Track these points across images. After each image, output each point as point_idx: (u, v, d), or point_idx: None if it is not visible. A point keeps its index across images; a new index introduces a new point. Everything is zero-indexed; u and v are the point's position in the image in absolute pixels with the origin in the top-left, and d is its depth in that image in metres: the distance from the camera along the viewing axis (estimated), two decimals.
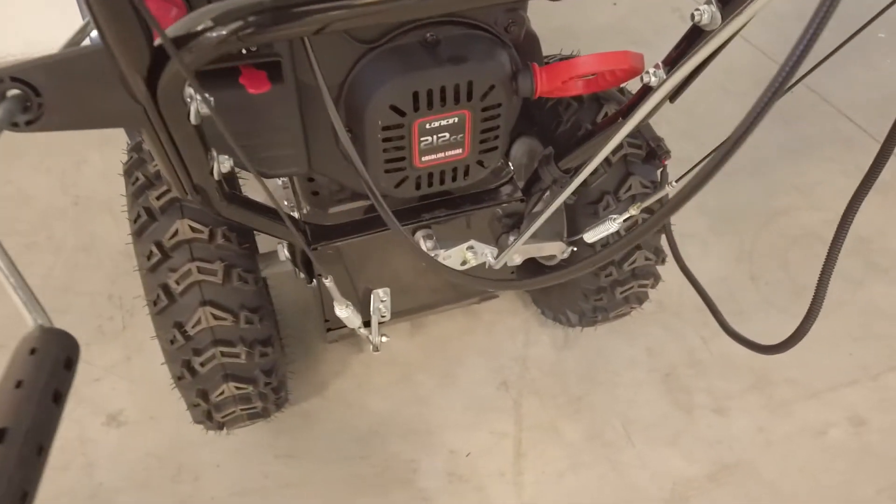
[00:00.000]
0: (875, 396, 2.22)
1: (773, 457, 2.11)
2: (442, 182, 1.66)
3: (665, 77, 1.37)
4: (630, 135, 1.84)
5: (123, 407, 2.18)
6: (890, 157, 1.13)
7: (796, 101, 3.29)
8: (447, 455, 2.11)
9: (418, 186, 1.65)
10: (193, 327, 1.61)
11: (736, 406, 2.21)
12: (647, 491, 2.04)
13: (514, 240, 1.75)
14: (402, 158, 1.54)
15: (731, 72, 3.46)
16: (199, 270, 1.59)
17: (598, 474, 2.07)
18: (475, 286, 2.09)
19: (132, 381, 2.22)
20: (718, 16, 1.18)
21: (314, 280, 1.87)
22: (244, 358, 1.67)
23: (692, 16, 1.19)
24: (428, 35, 1.42)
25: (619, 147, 1.83)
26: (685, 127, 3.17)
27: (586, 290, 2.02)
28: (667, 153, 1.83)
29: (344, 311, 1.57)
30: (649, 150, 1.85)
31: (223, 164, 1.28)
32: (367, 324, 1.86)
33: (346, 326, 2.01)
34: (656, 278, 2.01)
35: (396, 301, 2.03)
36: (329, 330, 2.01)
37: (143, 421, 2.15)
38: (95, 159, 2.96)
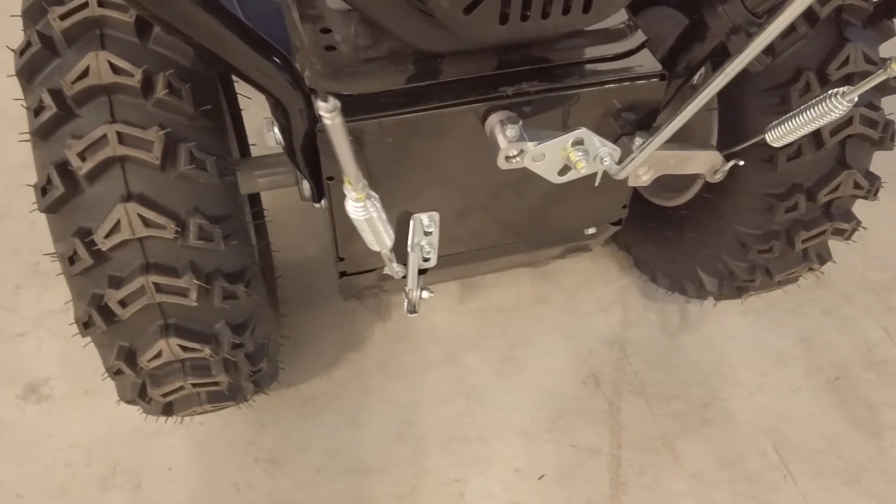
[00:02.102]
0: None
1: None
2: (546, 15, 0.96)
3: None
4: None
5: (50, 375, 1.53)
6: None
7: None
8: (510, 475, 1.41)
9: (504, 18, 0.95)
10: (108, 237, 0.94)
11: None
12: None
13: (655, 133, 1.03)
14: None
15: None
16: (123, 140, 0.92)
17: None
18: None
19: (68, 339, 1.56)
20: None
21: (322, 194, 1.19)
22: (194, 297, 0.99)
23: None
24: None
25: None
26: None
27: (747, 237, 1.29)
28: None
29: (387, 242, 0.88)
30: (882, 2, 1.11)
31: None
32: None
33: (368, 270, 1.35)
34: (857, 223, 1.28)
35: (447, 239, 1.34)
36: (343, 275, 1.32)
37: (74, 396, 1.50)
38: None
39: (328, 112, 0.59)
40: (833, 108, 0.99)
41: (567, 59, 1.17)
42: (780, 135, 1.08)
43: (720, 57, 1.07)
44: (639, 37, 1.21)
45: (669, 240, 1.53)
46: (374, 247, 0.92)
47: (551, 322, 1.68)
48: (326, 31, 1.18)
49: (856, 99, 0.98)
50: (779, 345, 1.62)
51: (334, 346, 1.62)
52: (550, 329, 1.66)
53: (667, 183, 1.55)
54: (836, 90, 0.99)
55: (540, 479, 1.41)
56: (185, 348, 1.04)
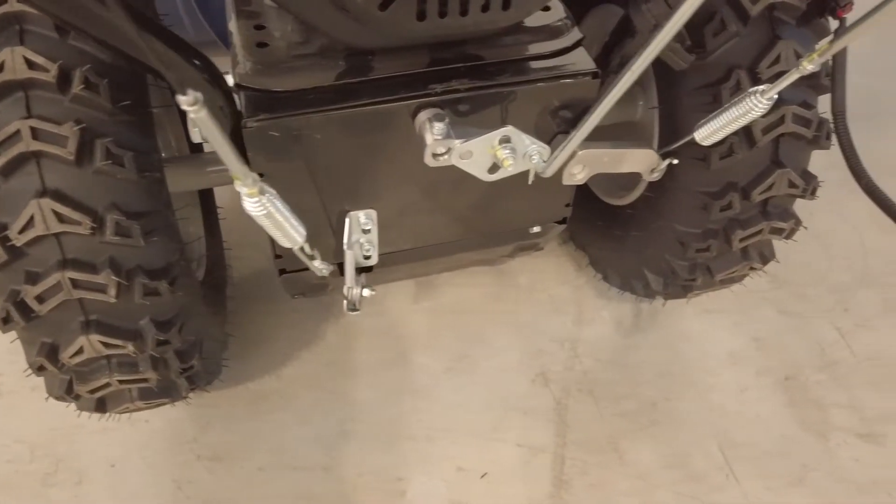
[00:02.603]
0: None
1: None
2: (465, 10, 0.96)
3: None
4: None
5: None
6: None
7: None
8: (453, 474, 1.40)
9: (422, 15, 0.95)
10: (23, 232, 0.94)
11: (894, 432, 1.46)
12: None
13: (578, 127, 1.03)
14: None
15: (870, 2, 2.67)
16: (37, 135, 0.92)
17: None
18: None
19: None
20: None
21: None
22: (113, 293, 0.99)
23: None
24: None
25: None
26: None
27: (685, 236, 1.29)
28: (848, 1, 1.08)
29: (297, 238, 0.88)
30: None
31: None
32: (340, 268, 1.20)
33: (307, 268, 1.35)
34: (797, 222, 1.27)
35: (389, 235, 1.33)
36: (282, 273, 1.31)
37: (21, 392, 1.50)
38: None
39: (189, 106, 0.58)
40: (753, 106, 0.98)
41: (500, 56, 1.16)
42: (708, 133, 1.07)
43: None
44: (574, 35, 1.21)
45: (618, 238, 1.52)
46: (284, 243, 0.92)
47: (505, 321, 1.67)
48: (261, 27, 1.18)
49: (775, 97, 0.97)
50: (732, 345, 1.61)
51: (286, 344, 1.62)
52: (504, 328, 1.66)
53: (617, 181, 1.55)
54: (755, 88, 0.98)
55: (483, 477, 1.40)
56: (106, 345, 1.04)
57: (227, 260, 1.69)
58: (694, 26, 1.14)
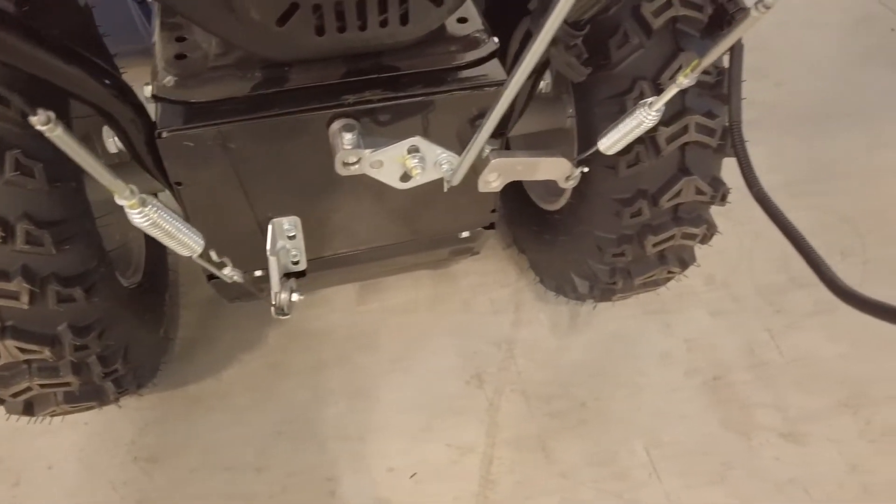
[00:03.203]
0: None
1: None
2: (364, 25, 0.99)
3: None
4: None
5: None
6: None
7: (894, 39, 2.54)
8: (382, 474, 1.44)
9: (321, 30, 0.98)
10: None
11: (818, 432, 1.50)
12: None
13: (475, 137, 1.06)
14: None
15: (817, 3, 2.72)
16: None
17: None
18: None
19: None
20: None
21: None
22: (26, 300, 1.02)
23: None
24: None
25: (667, 5, 1.13)
26: (756, 63, 2.44)
27: (603, 241, 1.32)
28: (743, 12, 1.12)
29: (193, 246, 0.91)
30: (716, 10, 1.14)
31: None
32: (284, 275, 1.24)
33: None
34: (711, 227, 1.31)
35: (317, 240, 1.37)
36: (211, 278, 1.35)
37: None
38: None
39: (42, 126, 0.61)
40: (643, 118, 1.02)
41: (415, 67, 1.19)
42: (610, 143, 1.10)
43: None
44: (490, 45, 1.24)
45: (549, 243, 1.56)
46: (183, 252, 0.95)
47: (445, 323, 1.71)
48: (182, 39, 1.21)
49: (662, 108, 1.01)
50: (664, 346, 1.65)
51: (229, 345, 1.65)
52: (443, 330, 1.69)
53: (549, 187, 1.59)
54: (644, 101, 1.02)
55: (412, 477, 1.44)
56: (22, 350, 1.07)
57: (175, 265, 1.73)
58: (600, 39, 1.18)
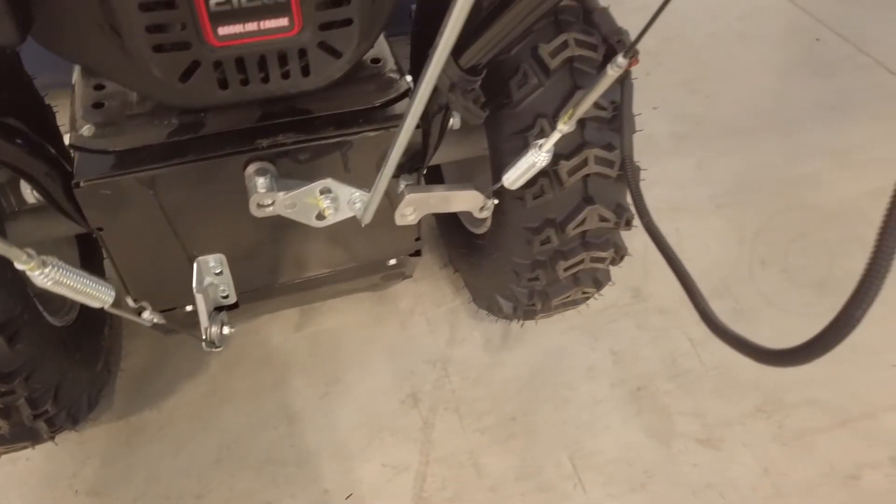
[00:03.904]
0: None
1: None
2: (266, 78, 1.05)
3: None
4: (581, 28, 1.23)
5: None
6: None
7: (828, 51, 2.65)
8: (319, 496, 1.49)
9: (224, 84, 1.03)
10: None
11: (734, 437, 1.58)
12: None
13: (380, 175, 1.11)
14: (181, 26, 0.93)
15: (747, 15, 2.83)
16: None
17: None
18: None
19: None
20: None
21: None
22: None
23: None
24: None
25: (563, 46, 1.19)
26: (688, 76, 2.54)
27: (518, 266, 1.39)
28: (632, 53, 1.19)
29: (104, 298, 0.96)
30: (607, 50, 1.21)
31: None
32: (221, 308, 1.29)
33: (171, 309, 1.43)
34: (619, 250, 1.38)
35: (246, 275, 1.41)
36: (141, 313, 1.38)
37: None
38: None
39: None
40: (535, 159, 1.09)
41: (327, 109, 1.24)
42: (511, 179, 1.17)
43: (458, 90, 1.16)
44: (403, 85, 1.30)
45: (476, 265, 1.62)
46: (94, 304, 0.99)
47: (382, 344, 1.76)
48: (100, 87, 1.25)
49: (552, 149, 1.08)
50: (590, 359, 1.72)
51: (170, 374, 1.69)
52: (380, 351, 1.75)
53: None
54: (536, 142, 1.08)
55: (347, 497, 1.49)
56: None
57: (121, 291, 1.76)
58: (502, 79, 1.24)
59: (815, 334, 0.70)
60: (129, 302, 1.07)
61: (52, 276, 0.86)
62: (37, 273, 0.85)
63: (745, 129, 2.31)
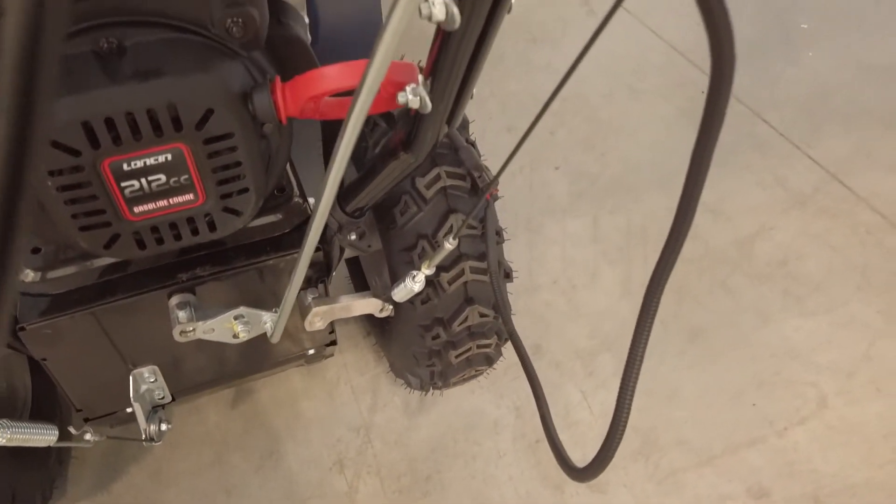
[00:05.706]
0: (780, 459, 1.86)
1: None
2: (179, 237, 1.24)
3: (427, 93, 0.97)
4: (451, 163, 1.46)
5: None
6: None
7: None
8: None
9: (142, 245, 1.22)
10: None
11: (617, 479, 1.83)
12: None
13: (285, 298, 1.32)
14: (101, 211, 1.12)
15: (639, 70, 3.11)
16: None
17: None
18: None
19: None
20: (456, 12, 0.77)
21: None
22: None
23: (420, 10, 0.77)
24: (104, 41, 1.02)
25: (437, 179, 1.42)
26: (586, 134, 2.80)
27: (416, 353, 1.62)
28: (491, 185, 1.42)
29: (48, 439, 1.14)
30: (472, 181, 1.44)
31: None
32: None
33: (113, 412, 1.61)
34: (500, 336, 1.61)
35: (180, 378, 1.60)
36: (87, 420, 1.56)
37: None
38: None
39: None
40: (412, 286, 1.31)
41: (240, 240, 1.44)
42: (399, 296, 1.39)
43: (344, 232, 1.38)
44: (305, 211, 1.50)
45: (387, 345, 1.84)
46: (41, 445, 1.17)
47: (311, 414, 1.97)
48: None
49: (431, 271, 1.30)
50: (495, 415, 1.96)
51: (119, 457, 1.86)
52: (309, 421, 1.95)
53: None
54: (412, 272, 1.31)
55: None
56: None
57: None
58: (387, 207, 1.46)
59: (594, 456, 0.95)
60: (71, 430, 1.26)
61: (5, 437, 1.04)
62: None
63: (631, 186, 2.59)
